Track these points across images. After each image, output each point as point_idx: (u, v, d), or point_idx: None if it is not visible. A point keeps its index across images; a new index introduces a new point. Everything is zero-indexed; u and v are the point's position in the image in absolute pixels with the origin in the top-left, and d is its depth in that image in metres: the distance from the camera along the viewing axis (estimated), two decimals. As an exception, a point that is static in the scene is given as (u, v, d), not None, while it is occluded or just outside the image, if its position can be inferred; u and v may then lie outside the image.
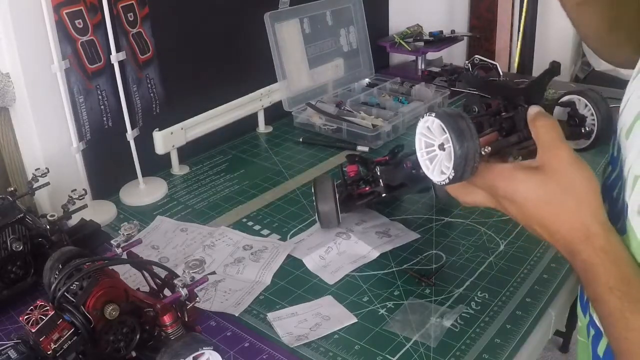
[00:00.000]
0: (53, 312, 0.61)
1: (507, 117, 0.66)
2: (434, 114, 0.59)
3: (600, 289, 0.54)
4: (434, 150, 0.61)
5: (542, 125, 0.60)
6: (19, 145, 1.02)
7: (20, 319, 0.62)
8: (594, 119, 0.71)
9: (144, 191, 1.13)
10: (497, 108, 0.68)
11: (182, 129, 1.19)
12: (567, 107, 0.73)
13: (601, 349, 0.65)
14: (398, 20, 1.79)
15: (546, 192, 0.57)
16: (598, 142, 0.71)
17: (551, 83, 1.24)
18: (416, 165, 0.70)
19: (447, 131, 0.58)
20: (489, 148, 0.61)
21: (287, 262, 0.91)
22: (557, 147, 0.58)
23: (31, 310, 0.62)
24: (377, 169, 0.96)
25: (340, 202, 0.95)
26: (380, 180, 0.98)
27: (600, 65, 2.03)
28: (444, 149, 0.60)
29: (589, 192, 0.57)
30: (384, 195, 0.97)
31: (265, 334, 0.78)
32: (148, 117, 1.11)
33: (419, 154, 0.63)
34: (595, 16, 0.79)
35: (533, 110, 0.62)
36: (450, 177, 0.59)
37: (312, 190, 0.96)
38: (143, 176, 1.13)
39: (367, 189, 0.98)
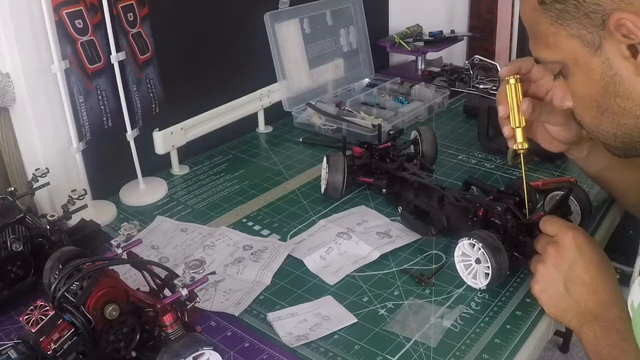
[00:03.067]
0: (53, 312, 0.61)
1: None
2: (481, 244, 0.79)
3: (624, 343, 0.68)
4: (469, 261, 0.82)
5: (547, 225, 0.79)
6: (19, 145, 1.02)
7: (20, 319, 0.62)
8: (578, 213, 0.91)
9: (144, 191, 1.13)
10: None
11: (182, 129, 1.19)
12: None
13: None
14: (398, 20, 1.79)
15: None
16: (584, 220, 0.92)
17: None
18: (438, 230, 0.93)
19: (489, 263, 0.79)
20: None
21: (287, 262, 0.91)
22: (553, 242, 0.76)
23: (31, 310, 0.62)
24: (415, 180, 1.02)
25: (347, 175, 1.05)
26: (384, 181, 1.07)
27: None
28: (479, 263, 0.81)
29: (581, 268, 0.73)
30: (383, 190, 1.06)
31: (265, 334, 0.78)
32: (148, 117, 1.11)
33: (455, 258, 0.84)
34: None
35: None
36: (483, 288, 0.81)
37: (324, 162, 1.07)
38: (143, 176, 1.13)
39: (371, 180, 1.07)
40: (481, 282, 0.81)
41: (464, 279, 0.83)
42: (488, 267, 0.79)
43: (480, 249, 0.80)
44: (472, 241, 0.80)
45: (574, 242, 0.73)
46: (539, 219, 0.80)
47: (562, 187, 0.93)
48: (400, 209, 0.99)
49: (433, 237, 0.94)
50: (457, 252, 0.84)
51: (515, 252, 0.83)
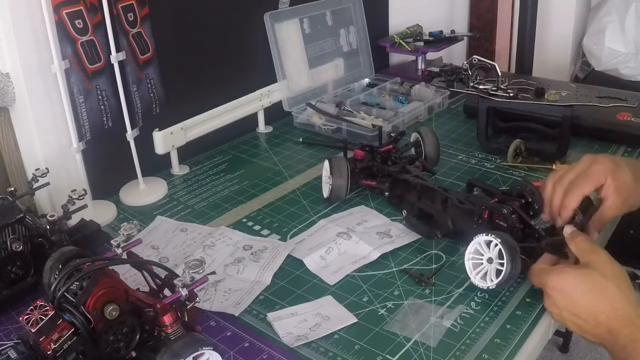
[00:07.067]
0: (53, 312, 0.61)
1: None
2: (499, 240, 0.79)
3: None
4: (480, 261, 0.81)
5: (580, 240, 0.78)
6: (19, 145, 1.02)
7: (20, 319, 0.62)
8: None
9: (144, 191, 1.13)
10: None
11: (182, 129, 1.19)
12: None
13: None
14: (398, 20, 1.79)
15: (592, 281, 0.72)
16: None
17: (551, 83, 1.26)
18: (444, 233, 0.93)
19: (506, 261, 0.78)
20: None
21: (287, 262, 0.91)
22: (596, 251, 0.75)
23: (31, 310, 0.62)
24: (418, 182, 1.01)
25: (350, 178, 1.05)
26: (387, 184, 1.06)
27: (600, 65, 2.03)
28: (491, 263, 0.80)
29: (626, 282, 0.72)
30: (386, 193, 1.06)
31: (265, 334, 0.78)
32: (148, 117, 1.11)
33: (466, 256, 0.83)
34: None
35: (569, 229, 0.80)
36: (492, 287, 0.80)
37: (325, 166, 1.06)
38: (143, 176, 1.13)
39: (373, 183, 1.07)
40: (491, 281, 0.80)
41: (471, 278, 0.82)
42: (502, 264, 0.78)
43: (497, 246, 0.79)
44: (491, 237, 0.79)
45: (607, 270, 0.73)
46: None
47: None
48: (404, 212, 0.99)
49: (439, 240, 0.93)
50: (470, 249, 0.83)
51: (523, 256, 0.81)
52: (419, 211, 0.98)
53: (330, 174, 1.04)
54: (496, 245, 0.79)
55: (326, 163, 1.06)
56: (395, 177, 1.05)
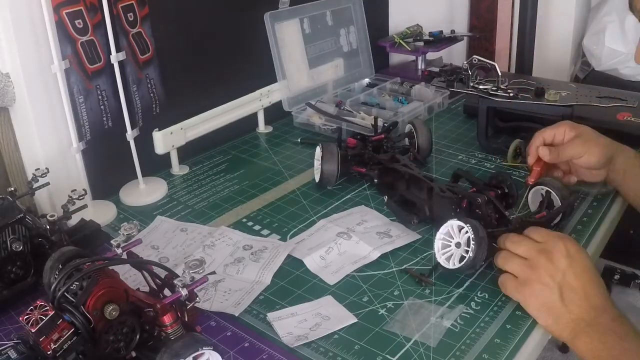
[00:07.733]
0: (53, 312, 0.61)
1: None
2: (471, 228, 0.80)
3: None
4: (449, 243, 0.84)
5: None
6: (19, 145, 1.02)
7: (20, 319, 0.62)
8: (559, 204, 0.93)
9: (144, 191, 1.13)
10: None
11: (182, 129, 1.19)
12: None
13: None
14: (398, 20, 1.79)
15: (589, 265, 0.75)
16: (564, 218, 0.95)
17: (551, 83, 1.26)
18: (420, 219, 0.96)
19: (470, 251, 0.80)
20: None
21: (287, 262, 0.91)
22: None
23: (31, 310, 0.62)
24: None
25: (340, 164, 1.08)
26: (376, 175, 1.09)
27: (600, 65, 2.03)
28: (459, 247, 0.82)
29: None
30: (375, 180, 1.09)
31: (265, 334, 0.78)
32: (148, 117, 1.11)
33: (437, 235, 0.85)
34: None
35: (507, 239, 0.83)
36: (452, 269, 0.83)
37: (317, 152, 1.09)
38: (143, 176, 1.13)
39: (363, 170, 1.10)
40: (453, 265, 0.83)
41: (437, 256, 0.85)
42: (467, 251, 0.81)
43: (467, 233, 0.81)
44: (463, 224, 0.82)
45: (566, 250, 0.75)
46: (542, 219, 0.84)
47: (545, 183, 0.95)
48: (385, 198, 1.02)
49: (414, 224, 0.97)
50: (443, 230, 0.85)
51: (494, 243, 0.84)
52: (400, 197, 1.01)
53: (321, 158, 1.07)
54: (466, 232, 0.81)
55: (318, 149, 1.09)
56: (384, 165, 1.07)
